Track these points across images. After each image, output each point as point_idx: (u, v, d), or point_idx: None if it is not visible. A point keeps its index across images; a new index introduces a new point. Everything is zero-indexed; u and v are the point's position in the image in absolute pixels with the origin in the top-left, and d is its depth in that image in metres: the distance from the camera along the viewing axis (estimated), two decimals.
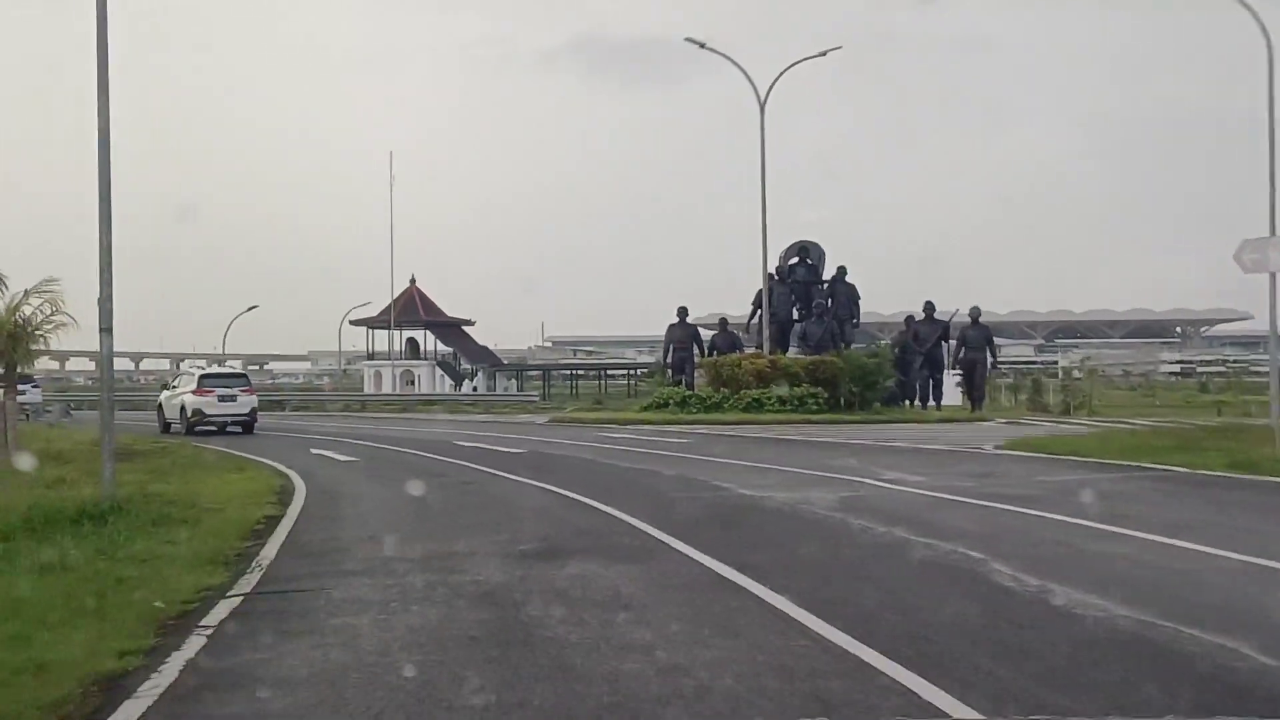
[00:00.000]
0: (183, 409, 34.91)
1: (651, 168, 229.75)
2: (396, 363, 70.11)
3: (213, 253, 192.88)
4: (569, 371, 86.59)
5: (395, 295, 68.02)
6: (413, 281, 71.06)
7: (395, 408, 52.66)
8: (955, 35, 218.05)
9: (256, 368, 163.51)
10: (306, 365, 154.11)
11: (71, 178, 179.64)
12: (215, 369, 40.70)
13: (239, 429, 34.38)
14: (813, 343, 40.46)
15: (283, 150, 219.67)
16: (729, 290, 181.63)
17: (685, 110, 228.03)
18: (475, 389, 66.48)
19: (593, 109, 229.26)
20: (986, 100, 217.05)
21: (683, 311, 43.04)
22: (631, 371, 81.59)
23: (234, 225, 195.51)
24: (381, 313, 69.25)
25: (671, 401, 38.47)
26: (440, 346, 72.49)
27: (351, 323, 74.26)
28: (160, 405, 37.34)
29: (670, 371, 42.70)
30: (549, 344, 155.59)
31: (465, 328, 73.19)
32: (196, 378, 36.03)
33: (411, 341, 72.69)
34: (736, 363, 38.58)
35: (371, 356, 73.83)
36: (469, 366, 70.37)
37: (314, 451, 25.51)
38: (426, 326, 71.21)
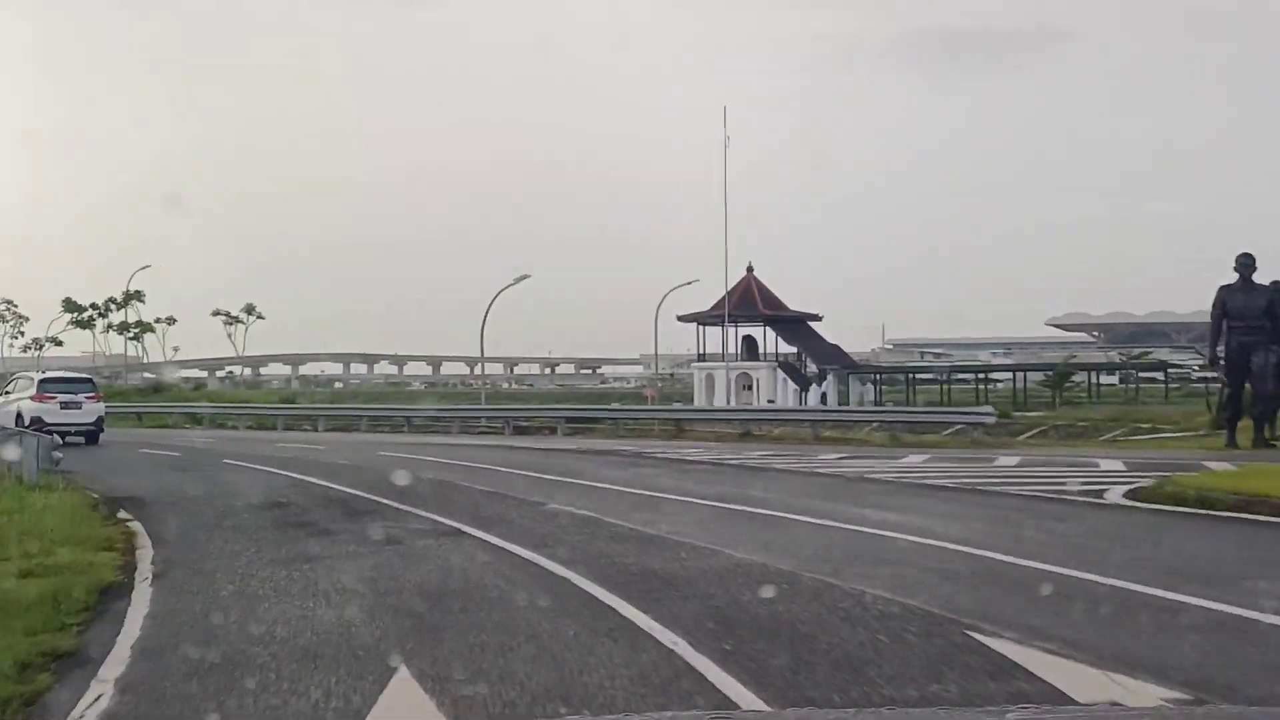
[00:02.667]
0: (19, 417, 31.48)
1: (998, 160, 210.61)
2: (731, 365, 60.99)
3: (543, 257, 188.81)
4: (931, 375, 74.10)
5: (730, 287, 59.34)
6: (750, 270, 62.68)
7: (728, 429, 37.27)
8: None
9: (589, 371, 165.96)
10: (639, 369, 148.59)
11: None
12: (58, 372, 37.58)
13: (81, 439, 31.82)
14: None
15: (611, 148, 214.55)
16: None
17: (1033, 98, 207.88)
18: (824, 396, 57.91)
19: (936, 101, 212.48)
20: None
21: (1246, 264, 25.61)
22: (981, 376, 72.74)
23: (571, 227, 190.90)
24: (714, 306, 60.92)
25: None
26: (782, 346, 63.74)
27: (679, 319, 66.41)
28: None
29: (1224, 368, 26.82)
30: (889, 346, 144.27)
31: (812, 323, 64.01)
32: (36, 382, 33.17)
33: (748, 340, 63.87)
34: None
35: (702, 358, 65.71)
36: (818, 369, 58.35)
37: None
38: (767, 322, 62.64)
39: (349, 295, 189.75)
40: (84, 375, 38.93)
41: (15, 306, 63.74)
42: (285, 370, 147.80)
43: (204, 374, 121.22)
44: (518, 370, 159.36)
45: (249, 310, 63.84)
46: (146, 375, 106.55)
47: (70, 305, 62.03)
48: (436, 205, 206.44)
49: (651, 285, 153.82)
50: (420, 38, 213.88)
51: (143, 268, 59.55)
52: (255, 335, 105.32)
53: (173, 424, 49.61)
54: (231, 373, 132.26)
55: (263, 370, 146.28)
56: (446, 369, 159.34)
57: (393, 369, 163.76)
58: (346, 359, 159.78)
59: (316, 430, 45.11)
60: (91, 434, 32.84)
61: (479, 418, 44.73)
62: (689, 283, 67.46)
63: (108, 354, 64.84)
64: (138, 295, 61.46)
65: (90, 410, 33.16)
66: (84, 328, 62.77)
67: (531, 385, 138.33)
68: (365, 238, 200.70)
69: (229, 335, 62.96)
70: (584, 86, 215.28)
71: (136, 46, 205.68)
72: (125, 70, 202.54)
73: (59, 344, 65.40)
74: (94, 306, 62.68)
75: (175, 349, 66.30)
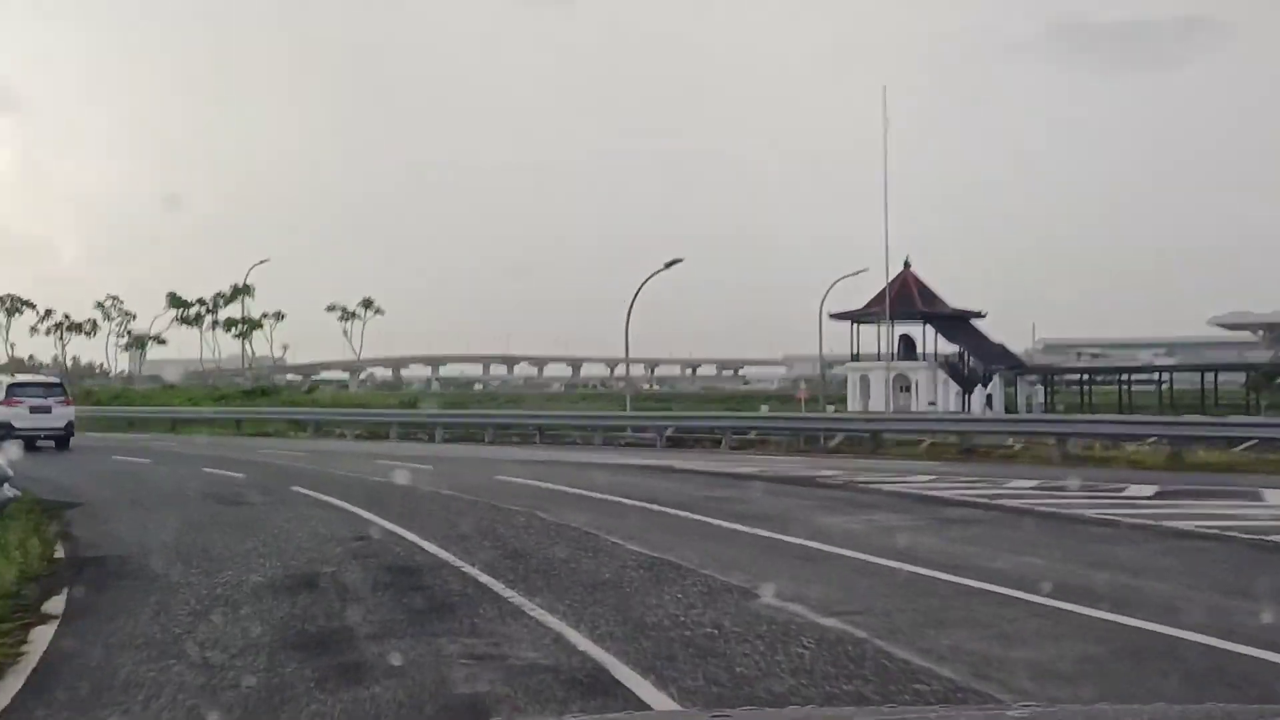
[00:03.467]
0: None
1: (1156, 156, 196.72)
2: (890, 364, 57.71)
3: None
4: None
5: (888, 281, 56.58)
6: (907, 266, 59.88)
7: (935, 440, 29.94)
8: None
9: (730, 373, 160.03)
10: (781, 370, 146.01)
11: None
12: (27, 377, 37.12)
13: (52, 444, 31.68)
14: None
15: (756, 150, 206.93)
16: None
17: (1195, 94, 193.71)
18: (989, 399, 55.61)
19: (1074, 97, 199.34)
20: None
21: None
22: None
23: (713, 224, 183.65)
24: (869, 304, 58.49)
25: None
26: (941, 345, 61.19)
27: (831, 316, 62.05)
28: None
29: None
30: (1040, 346, 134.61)
31: (974, 320, 61.16)
32: (4, 386, 32.76)
33: (906, 339, 61.27)
34: None
35: (856, 358, 62.63)
36: (982, 370, 57.90)
37: None
38: (926, 320, 59.87)
39: (488, 294, 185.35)
40: (54, 379, 37.32)
41: (121, 302, 58.61)
42: (425, 372, 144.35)
43: (345, 375, 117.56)
44: (658, 372, 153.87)
45: (366, 304, 57.67)
46: (290, 377, 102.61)
47: (175, 300, 56.55)
48: (575, 203, 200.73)
49: (791, 284, 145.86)
50: (561, 27, 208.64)
51: (260, 262, 54.17)
52: (391, 336, 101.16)
53: (274, 431, 43.58)
54: (372, 374, 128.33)
55: (403, 372, 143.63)
56: (586, 370, 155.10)
57: (532, 370, 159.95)
58: (486, 360, 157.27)
59: (433, 440, 38.48)
60: (62, 439, 32.08)
61: (623, 427, 37.46)
62: (858, 272, 60.34)
63: (218, 354, 60.38)
64: (248, 289, 55.85)
65: (60, 415, 32.31)
66: (190, 324, 57.45)
67: (673, 387, 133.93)
68: (505, 234, 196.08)
69: (344, 332, 57.10)
70: (723, 81, 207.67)
71: (269, 44, 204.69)
72: (247, 66, 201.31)
73: (162, 342, 60.41)
74: (200, 302, 57.29)
75: (284, 347, 60.80)
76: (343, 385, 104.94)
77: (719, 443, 32.69)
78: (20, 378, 35.93)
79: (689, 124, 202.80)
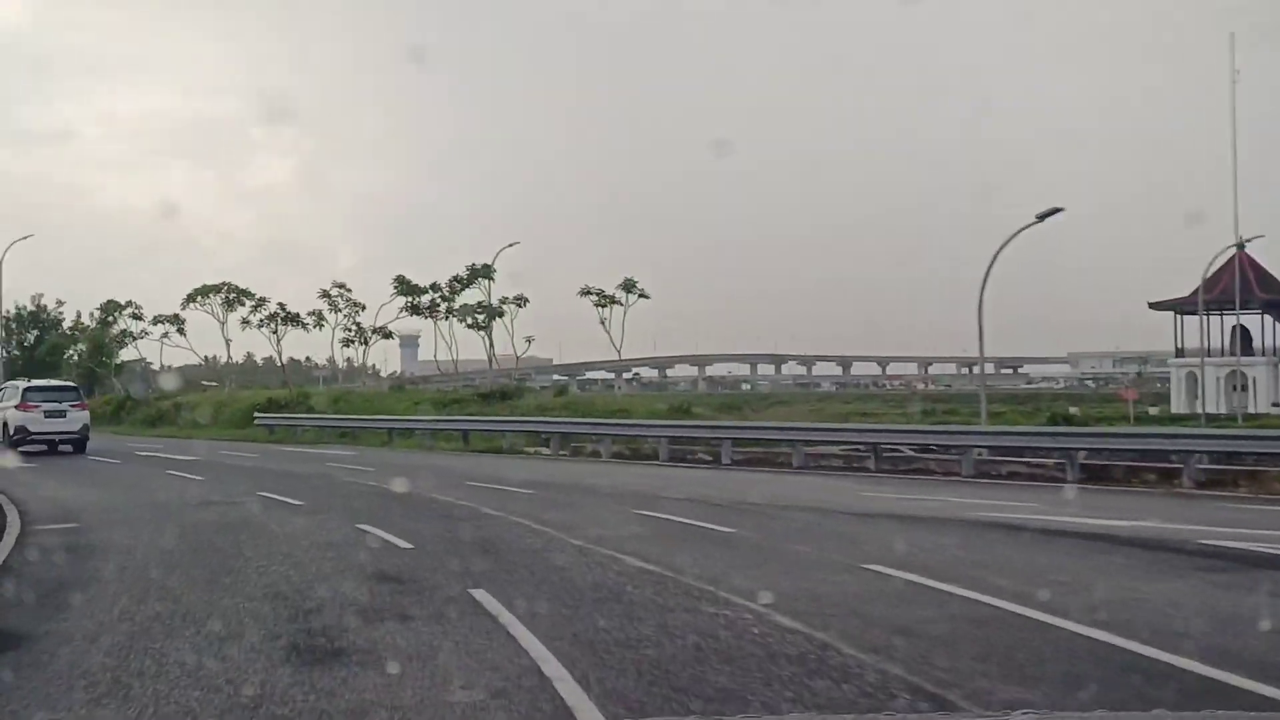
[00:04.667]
0: (4, 426, 32.48)
1: None
2: (1220, 361, 53.24)
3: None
4: None
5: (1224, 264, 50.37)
6: (1241, 247, 51.94)
7: None
8: None
9: (1010, 370, 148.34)
10: (1065, 368, 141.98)
11: None
12: (42, 381, 37.17)
13: (69, 448, 32.05)
14: None
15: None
16: None
17: None
18: None
19: None
20: None
21: None
22: None
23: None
24: (1195, 292, 50.33)
25: None
26: None
27: (1151, 305, 57.07)
28: None
29: None
30: None
31: None
32: (21, 391, 33.35)
33: (1242, 331, 55.02)
34: None
35: (1180, 352, 56.15)
36: None
37: None
38: (1266, 309, 54.13)
39: (754, 291, 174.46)
40: (69, 384, 37.39)
41: (349, 291, 49.89)
42: (691, 371, 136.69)
43: (610, 375, 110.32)
44: (932, 370, 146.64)
45: (628, 287, 46.85)
46: (556, 378, 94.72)
47: (404, 286, 46.93)
48: (843, 192, 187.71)
49: (1075, 270, 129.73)
50: (812, 17, 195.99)
51: (509, 245, 44.74)
52: (651, 330, 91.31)
53: (508, 447, 33.68)
54: (638, 374, 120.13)
55: (669, 372, 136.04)
56: (856, 369, 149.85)
57: (800, 369, 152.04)
58: (753, 359, 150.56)
59: (718, 462, 27.67)
60: (78, 442, 32.57)
61: (1019, 448, 25.24)
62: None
63: (455, 351, 50.96)
64: (486, 271, 45.65)
65: (75, 418, 32.77)
66: (421, 314, 47.85)
67: (949, 386, 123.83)
68: (770, 230, 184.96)
69: (602, 321, 46.49)
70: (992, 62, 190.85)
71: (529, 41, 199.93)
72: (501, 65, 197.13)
73: (387, 335, 51.01)
74: (434, 288, 47.38)
75: (529, 339, 50.84)
76: (608, 386, 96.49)
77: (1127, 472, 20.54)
78: (36, 383, 35.97)
79: (953, 111, 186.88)
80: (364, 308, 50.45)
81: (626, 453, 31.31)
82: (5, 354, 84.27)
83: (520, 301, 48.39)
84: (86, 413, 33.77)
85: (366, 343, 50.41)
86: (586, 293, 46.85)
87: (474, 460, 30.31)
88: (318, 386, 63.26)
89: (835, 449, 27.71)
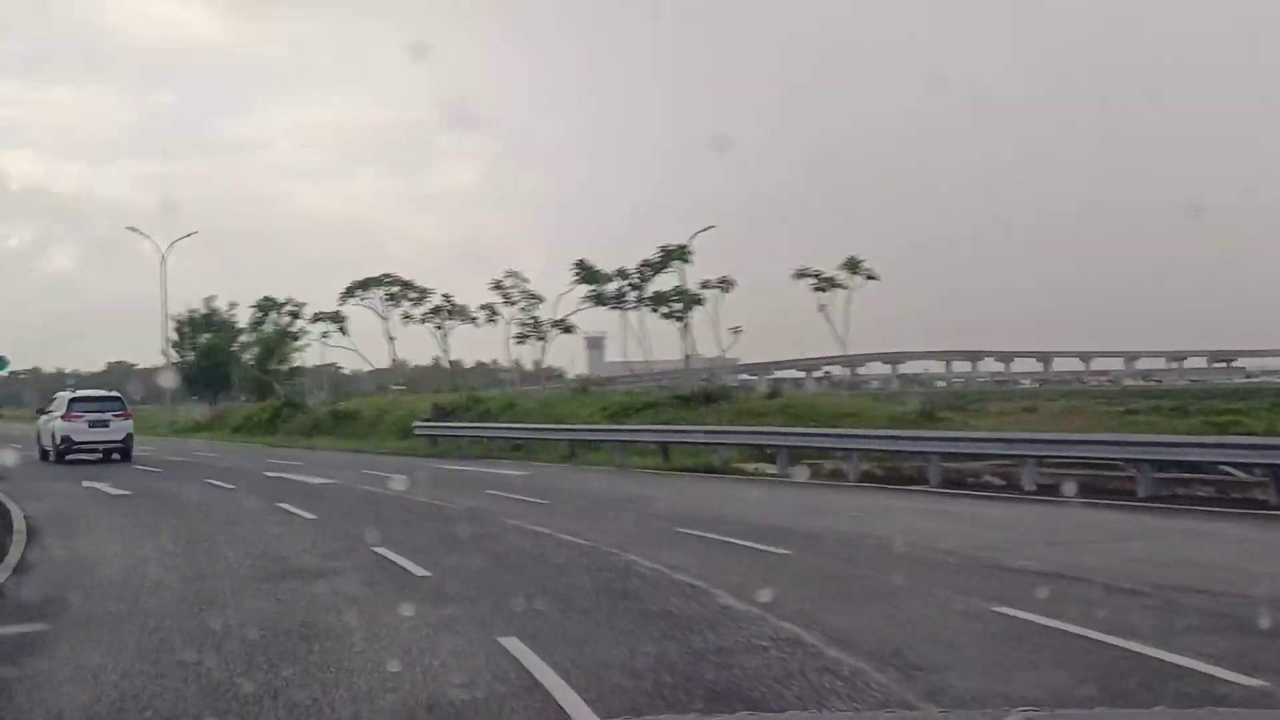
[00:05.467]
0: (52, 436, 33.21)
1: None
2: None
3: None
4: None
5: None
6: None
7: None
8: None
9: (1224, 365, 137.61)
10: None
11: None
12: (86, 391, 37.23)
13: (118, 456, 32.48)
14: None
15: None
16: None
17: None
18: None
19: None
20: None
21: None
22: None
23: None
24: None
25: None
26: None
27: None
28: (39, 432, 35.54)
29: None
30: None
31: None
32: (66, 401, 33.95)
33: None
34: None
35: None
36: None
37: None
38: None
39: (950, 286, 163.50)
40: (113, 394, 36.93)
41: (525, 280, 42.81)
42: (885, 369, 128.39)
43: (801, 374, 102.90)
44: (1138, 365, 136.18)
45: (853, 267, 38.21)
46: (744, 377, 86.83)
47: (586, 273, 39.26)
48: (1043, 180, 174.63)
49: None
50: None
51: (704, 229, 37.22)
52: (868, 319, 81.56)
53: (721, 464, 26.17)
54: (828, 373, 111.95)
55: (859, 370, 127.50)
56: (1056, 365, 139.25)
57: (998, 366, 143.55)
58: (948, 356, 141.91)
59: (1019, 492, 19.70)
60: (124, 450, 33.06)
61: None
62: None
63: (648, 345, 42.85)
64: (682, 253, 37.59)
65: (118, 428, 33.22)
66: (606, 304, 40.00)
67: (1159, 381, 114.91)
68: (969, 224, 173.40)
69: (821, 309, 38.09)
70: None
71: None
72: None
73: (568, 330, 43.38)
74: (621, 274, 39.61)
75: (735, 330, 41.77)
76: (797, 386, 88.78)
77: None
78: (81, 393, 36.26)
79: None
80: (541, 300, 43.39)
81: (878, 472, 23.58)
82: (179, 356, 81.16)
83: (725, 285, 39.94)
84: (130, 422, 34.24)
85: (544, 338, 43.13)
86: (802, 275, 38.23)
87: (679, 486, 23.04)
88: (499, 390, 57.04)
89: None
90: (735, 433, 28.33)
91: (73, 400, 33.93)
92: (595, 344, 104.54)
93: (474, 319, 45.04)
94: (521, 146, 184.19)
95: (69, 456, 32.04)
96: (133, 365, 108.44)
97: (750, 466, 25.75)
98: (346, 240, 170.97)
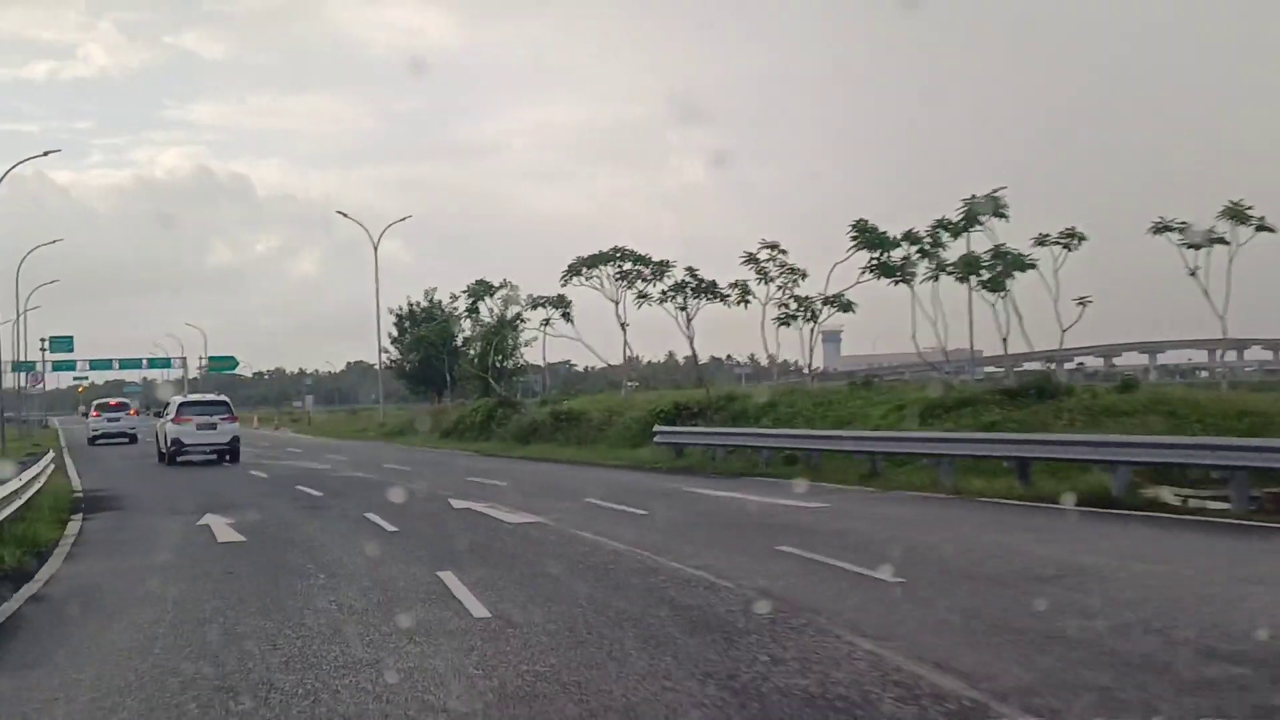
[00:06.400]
0: (165, 438, 34.66)
1: None
2: None
3: None
4: None
5: None
6: None
7: None
8: None
9: None
10: None
11: None
12: (196, 396, 39.74)
13: (228, 458, 33.73)
14: None
15: None
16: None
17: None
18: None
19: None
20: None
21: None
22: None
23: None
24: None
25: None
26: None
27: None
28: (157, 433, 37.07)
29: None
30: None
31: None
32: (176, 405, 35.59)
33: None
34: None
35: None
36: None
37: None
38: None
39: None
40: (220, 398, 37.89)
41: (783, 253, 34.43)
42: (1142, 360, 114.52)
43: (1050, 366, 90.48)
44: None
45: (1238, 216, 28.29)
46: (989, 369, 75.72)
47: (869, 236, 30.28)
48: None
49: None
50: None
51: (998, 189, 28.14)
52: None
53: (1119, 493, 17.05)
54: (1082, 364, 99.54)
55: (1116, 361, 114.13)
56: None
57: (1266, 354, 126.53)
58: (1210, 345, 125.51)
59: None
60: (232, 452, 34.23)
61: None
62: None
63: (934, 320, 33.34)
64: (994, 205, 27.99)
65: (225, 430, 34.22)
66: (892, 276, 30.83)
67: None
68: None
69: (1193, 271, 28.13)
70: None
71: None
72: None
73: (846, 308, 34.00)
74: (909, 238, 30.24)
75: (1082, 302, 31.28)
76: (1144, 375, 77.53)
77: None
78: (191, 397, 38.50)
79: None
80: (804, 274, 34.73)
81: None
82: (397, 353, 76.28)
83: (1069, 241, 28.95)
84: (236, 424, 35.11)
85: (815, 318, 34.27)
86: (1163, 229, 27.73)
87: (1077, 531, 14.35)
88: (740, 386, 48.77)
89: None
90: (1148, 445, 17.99)
91: (182, 405, 35.50)
92: (831, 337, 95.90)
93: (724, 296, 36.75)
94: (756, 138, 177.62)
95: (179, 458, 33.58)
96: (370, 365, 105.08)
97: (1171, 495, 16.63)
98: (579, 239, 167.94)
